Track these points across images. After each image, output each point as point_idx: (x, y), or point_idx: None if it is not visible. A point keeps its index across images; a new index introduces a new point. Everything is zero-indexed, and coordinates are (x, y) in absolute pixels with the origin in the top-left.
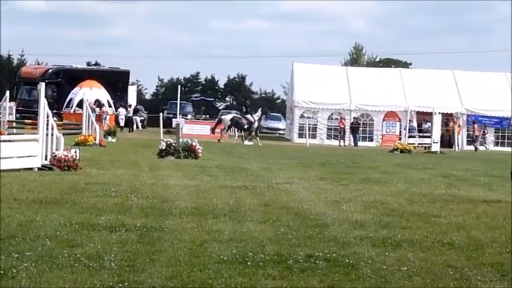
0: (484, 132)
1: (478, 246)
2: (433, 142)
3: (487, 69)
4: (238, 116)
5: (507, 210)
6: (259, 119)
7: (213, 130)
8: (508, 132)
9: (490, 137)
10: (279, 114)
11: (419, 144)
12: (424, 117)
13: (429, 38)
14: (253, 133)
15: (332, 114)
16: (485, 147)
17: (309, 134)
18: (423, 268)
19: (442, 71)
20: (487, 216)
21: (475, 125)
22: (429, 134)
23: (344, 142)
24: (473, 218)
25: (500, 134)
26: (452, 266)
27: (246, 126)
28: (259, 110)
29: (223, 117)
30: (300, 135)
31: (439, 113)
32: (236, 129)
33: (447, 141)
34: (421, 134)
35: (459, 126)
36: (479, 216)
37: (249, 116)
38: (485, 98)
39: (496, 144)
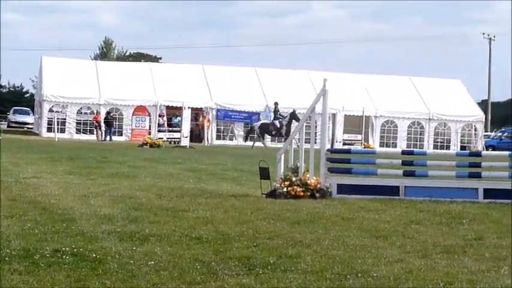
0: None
1: (226, 240)
2: (183, 137)
3: (236, 64)
4: (267, 122)
5: (255, 204)
6: (288, 124)
7: (245, 138)
8: None
9: (239, 131)
10: (28, 109)
11: (168, 138)
12: (174, 111)
13: (179, 33)
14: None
15: (81, 108)
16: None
17: (57, 128)
18: (170, 262)
19: (192, 65)
20: (235, 211)
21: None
22: (179, 129)
23: (101, 136)
24: (221, 212)
25: (249, 129)
26: (200, 260)
27: (273, 132)
28: (288, 114)
29: (254, 124)
30: (49, 130)
31: (189, 107)
32: None
33: (197, 135)
34: (170, 129)
35: (209, 120)
36: (227, 210)
37: (276, 122)
38: (234, 93)
39: (246, 138)
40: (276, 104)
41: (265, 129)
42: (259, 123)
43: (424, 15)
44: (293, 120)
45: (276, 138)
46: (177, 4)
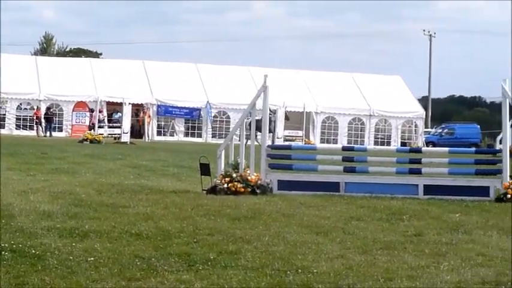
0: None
1: (166, 236)
2: (123, 132)
3: (176, 60)
4: (257, 118)
5: (195, 200)
6: (275, 121)
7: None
8: (197, 122)
9: (180, 128)
10: None
11: (109, 134)
12: (115, 107)
13: (120, 28)
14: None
15: (21, 104)
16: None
17: None
18: (110, 258)
19: (132, 61)
20: (175, 207)
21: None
22: (119, 125)
23: (41, 132)
24: (161, 209)
25: (190, 125)
26: (140, 256)
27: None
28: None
29: (245, 121)
30: None
31: (130, 103)
32: None
33: (137, 131)
34: (111, 124)
35: (149, 116)
36: (167, 206)
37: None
38: (175, 89)
39: (186, 134)
40: None
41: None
42: (249, 120)
43: (363, 13)
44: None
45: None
46: (119, 2)
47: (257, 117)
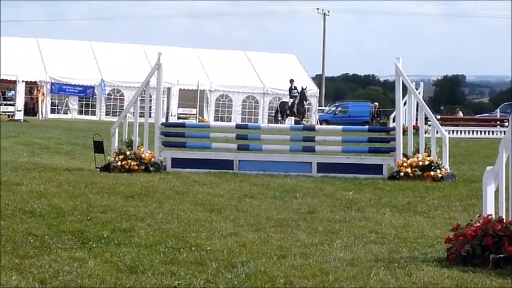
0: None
1: (59, 214)
2: (17, 110)
3: (70, 37)
4: (285, 101)
5: (88, 178)
6: (299, 103)
7: (275, 118)
8: (91, 100)
9: (74, 105)
10: None
11: (3, 112)
12: (8, 85)
13: (13, 7)
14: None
15: None
16: None
17: None
18: (3, 236)
19: (26, 39)
20: (68, 184)
21: None
22: (13, 102)
23: None
24: (55, 186)
25: (84, 103)
26: (33, 234)
27: (288, 112)
28: (299, 93)
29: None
30: None
31: (23, 81)
32: None
33: (31, 109)
34: (5, 102)
35: (43, 94)
36: (61, 184)
37: (290, 100)
38: (69, 67)
39: (80, 112)
40: (291, 81)
41: (282, 108)
42: (279, 102)
43: None
44: (303, 100)
45: None
46: None
47: (282, 100)
